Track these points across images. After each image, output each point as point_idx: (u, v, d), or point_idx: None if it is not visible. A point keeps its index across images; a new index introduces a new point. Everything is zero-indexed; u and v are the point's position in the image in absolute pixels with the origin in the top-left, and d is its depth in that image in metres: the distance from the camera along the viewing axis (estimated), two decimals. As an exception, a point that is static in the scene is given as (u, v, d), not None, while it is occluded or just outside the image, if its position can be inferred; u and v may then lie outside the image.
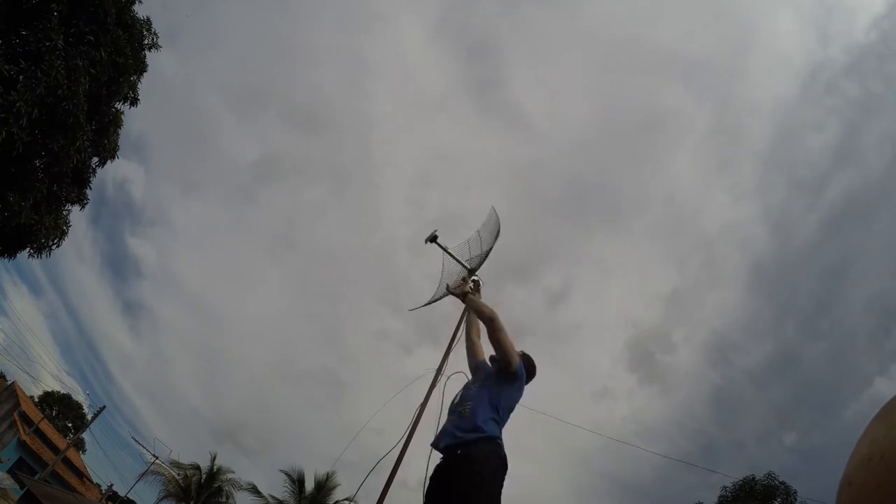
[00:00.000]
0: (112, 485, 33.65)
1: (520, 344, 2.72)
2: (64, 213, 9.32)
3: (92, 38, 7.77)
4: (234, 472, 21.55)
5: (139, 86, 9.37)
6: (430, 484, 2.44)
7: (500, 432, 2.46)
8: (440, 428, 2.57)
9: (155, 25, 9.01)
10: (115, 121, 9.35)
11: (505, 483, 2.33)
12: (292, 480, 18.75)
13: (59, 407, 39.85)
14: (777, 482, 17.57)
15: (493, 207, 3.89)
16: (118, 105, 9.30)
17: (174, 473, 21.51)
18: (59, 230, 9.12)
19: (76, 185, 9.31)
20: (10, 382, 26.74)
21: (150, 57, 9.18)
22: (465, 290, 2.92)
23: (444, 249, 3.46)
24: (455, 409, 2.58)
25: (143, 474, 24.02)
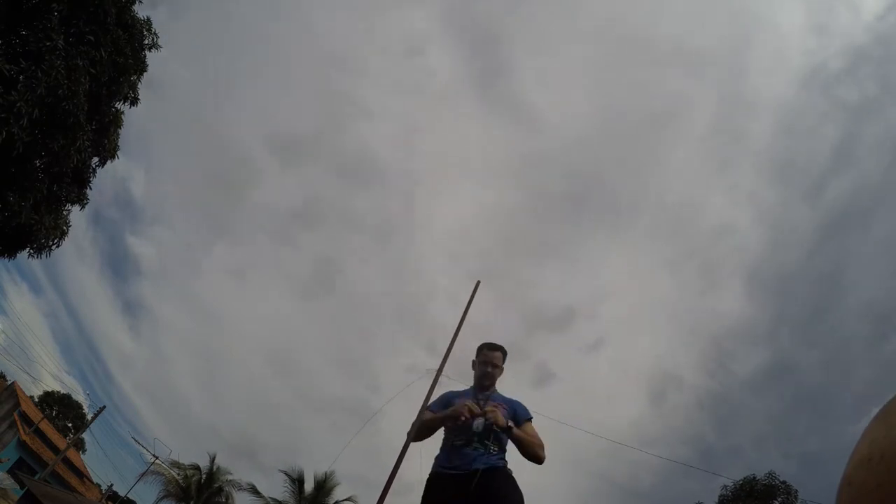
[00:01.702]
0: (112, 485, 33.70)
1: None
2: (64, 213, 9.32)
3: (92, 38, 7.77)
4: (231, 474, 21.58)
5: (139, 86, 9.39)
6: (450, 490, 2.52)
7: None
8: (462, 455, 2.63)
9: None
10: (116, 121, 9.35)
11: None
12: (292, 480, 18.76)
13: (59, 407, 39.85)
14: (778, 482, 17.58)
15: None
16: (118, 105, 9.31)
17: (174, 473, 21.52)
18: (59, 230, 9.12)
19: (76, 185, 9.31)
20: (10, 382, 26.74)
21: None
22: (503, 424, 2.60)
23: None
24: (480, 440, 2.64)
25: (143, 474, 24.03)
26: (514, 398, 2.94)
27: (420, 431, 2.89)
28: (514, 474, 2.64)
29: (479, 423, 2.63)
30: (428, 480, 2.67)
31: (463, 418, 2.59)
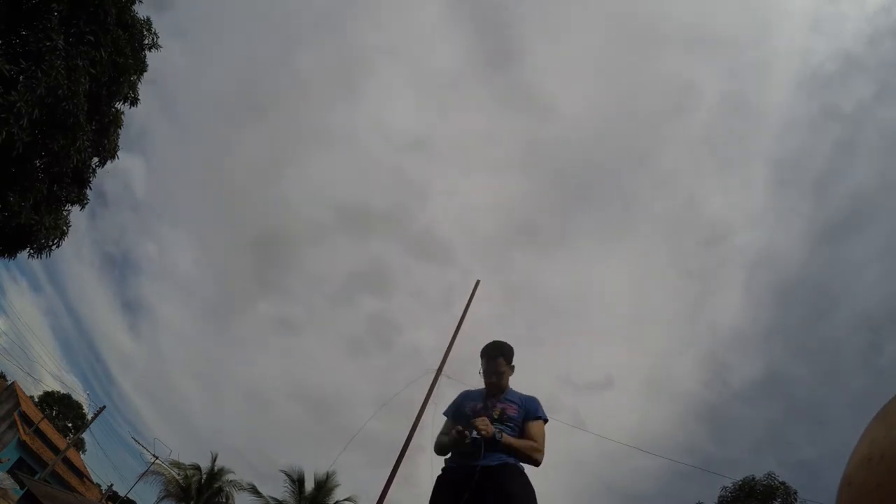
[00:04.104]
0: (112, 485, 33.74)
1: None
2: (64, 213, 9.32)
3: (92, 38, 7.77)
4: (234, 473, 21.58)
5: (139, 86, 9.39)
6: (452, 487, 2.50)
7: None
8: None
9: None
10: (115, 121, 9.35)
11: None
12: (292, 480, 18.75)
13: (59, 407, 39.86)
14: (777, 482, 17.59)
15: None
16: (118, 105, 9.31)
17: (174, 473, 21.51)
18: (58, 230, 9.12)
19: (76, 185, 9.31)
20: (10, 382, 26.74)
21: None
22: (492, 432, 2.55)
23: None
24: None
25: (143, 474, 24.05)
26: (532, 395, 2.86)
27: (439, 449, 2.84)
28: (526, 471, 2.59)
29: (473, 438, 2.59)
30: (437, 479, 2.65)
31: (467, 438, 2.53)
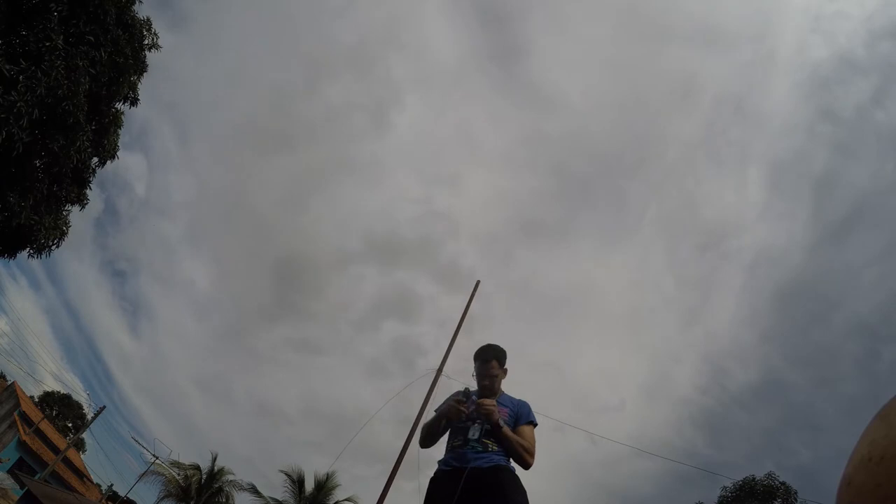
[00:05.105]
0: (112, 485, 33.72)
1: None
2: (64, 213, 9.33)
3: (92, 38, 7.78)
4: (233, 474, 21.58)
5: (139, 86, 9.39)
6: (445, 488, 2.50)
7: None
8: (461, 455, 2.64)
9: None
10: (115, 121, 9.36)
11: None
12: (292, 481, 18.74)
13: (59, 407, 39.86)
14: (777, 482, 17.60)
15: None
16: (118, 105, 9.31)
17: (174, 474, 21.51)
18: (58, 230, 9.13)
19: (76, 186, 9.32)
20: (10, 382, 26.75)
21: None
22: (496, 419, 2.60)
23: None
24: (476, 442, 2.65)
25: (143, 474, 24.04)
26: (523, 399, 2.89)
27: (425, 437, 2.85)
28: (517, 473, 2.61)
29: (475, 429, 2.63)
30: (430, 481, 2.66)
31: (457, 415, 2.64)
